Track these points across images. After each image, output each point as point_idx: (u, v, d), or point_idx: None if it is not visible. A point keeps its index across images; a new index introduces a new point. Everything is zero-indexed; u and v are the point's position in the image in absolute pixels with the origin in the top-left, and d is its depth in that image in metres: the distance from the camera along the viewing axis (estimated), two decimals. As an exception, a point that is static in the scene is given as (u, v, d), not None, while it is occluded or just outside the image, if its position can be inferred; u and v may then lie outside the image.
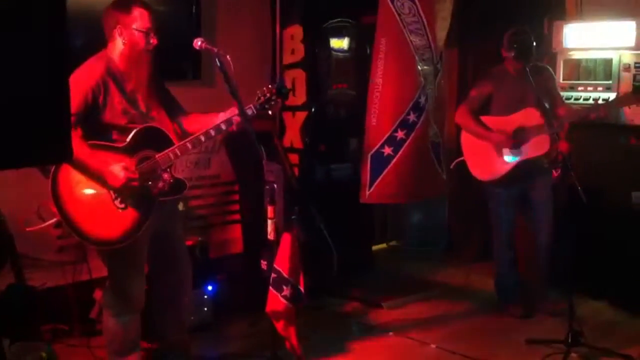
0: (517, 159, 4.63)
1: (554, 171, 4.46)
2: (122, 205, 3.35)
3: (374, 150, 5.02)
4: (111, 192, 3.33)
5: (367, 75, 5.21)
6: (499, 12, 6.39)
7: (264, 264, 3.76)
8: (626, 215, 5.06)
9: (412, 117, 5.04)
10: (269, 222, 3.47)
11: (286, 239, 3.51)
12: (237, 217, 5.40)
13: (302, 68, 5.44)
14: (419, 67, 5.05)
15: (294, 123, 5.50)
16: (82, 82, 3.28)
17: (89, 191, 3.30)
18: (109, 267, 3.57)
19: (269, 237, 3.48)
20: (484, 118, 4.77)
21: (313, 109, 5.42)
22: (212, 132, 3.49)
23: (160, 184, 3.43)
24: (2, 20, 1.64)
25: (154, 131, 3.46)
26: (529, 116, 4.52)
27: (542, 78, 4.66)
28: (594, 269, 5.18)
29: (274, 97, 3.53)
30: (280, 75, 5.36)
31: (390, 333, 4.60)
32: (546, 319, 4.79)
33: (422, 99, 5.07)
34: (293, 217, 3.61)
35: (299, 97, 5.45)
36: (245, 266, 5.02)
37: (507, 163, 4.67)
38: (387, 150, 5.01)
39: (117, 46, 3.44)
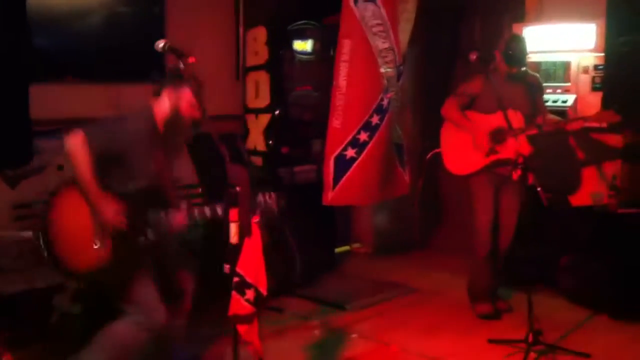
0: (492, 156, 4.70)
1: (513, 173, 4.50)
2: (99, 244, 3.39)
3: (337, 153, 5.02)
4: (96, 227, 3.38)
5: (331, 78, 5.22)
6: (461, 13, 6.48)
7: (226, 268, 3.74)
8: (586, 215, 5.14)
9: (375, 120, 5.05)
10: (232, 225, 3.45)
11: (249, 242, 3.49)
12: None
13: (265, 70, 5.44)
14: (382, 69, 5.07)
15: (258, 125, 5.49)
16: (123, 130, 3.40)
17: (78, 218, 3.36)
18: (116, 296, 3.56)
19: (231, 240, 3.47)
20: (467, 113, 4.85)
21: (276, 111, 5.42)
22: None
23: (142, 239, 3.48)
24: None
25: (158, 190, 3.54)
26: (510, 118, 4.55)
27: (529, 85, 4.76)
28: (555, 268, 5.27)
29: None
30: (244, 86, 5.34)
31: (354, 335, 4.61)
32: (510, 317, 4.85)
33: (385, 101, 5.09)
34: (256, 220, 3.59)
35: (263, 99, 5.44)
36: (208, 270, 4.98)
37: (482, 158, 4.73)
38: (351, 152, 5.02)
39: (163, 107, 3.53)
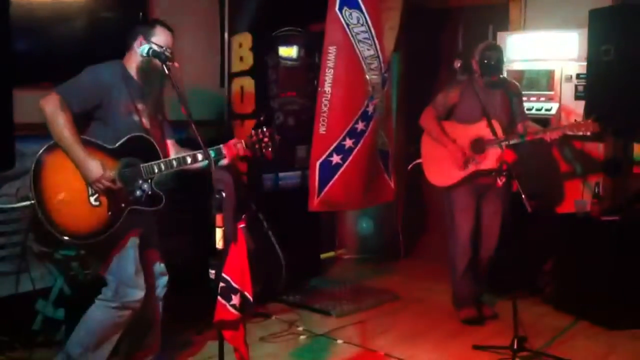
0: (472, 167, 4.72)
1: (498, 180, 4.54)
2: (97, 203, 3.38)
3: (322, 159, 5.04)
4: (89, 187, 3.37)
5: (316, 84, 5.24)
6: (445, 21, 6.52)
7: (212, 273, 3.73)
8: (570, 222, 5.18)
9: (360, 126, 5.07)
10: (218, 230, 3.45)
11: (235, 247, 3.49)
12: (185, 225, 5.34)
13: (250, 76, 5.43)
14: (367, 76, 5.09)
15: (243, 131, 5.48)
16: (95, 77, 3.41)
17: (69, 180, 3.34)
18: (100, 266, 3.54)
19: (217, 245, 3.46)
20: (446, 123, 4.86)
21: (262, 117, 5.41)
22: (199, 156, 3.56)
23: (138, 193, 3.48)
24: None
25: (146, 142, 3.53)
26: (487, 128, 4.56)
27: (507, 93, 4.77)
28: (539, 274, 5.30)
29: (266, 140, 3.70)
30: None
31: (339, 341, 4.60)
32: (494, 323, 4.87)
33: (370, 108, 5.11)
34: (242, 225, 3.59)
35: (248, 105, 5.43)
36: (193, 275, 4.96)
37: (462, 170, 4.75)
38: (336, 158, 5.03)
39: (135, 57, 3.53)
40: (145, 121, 3.55)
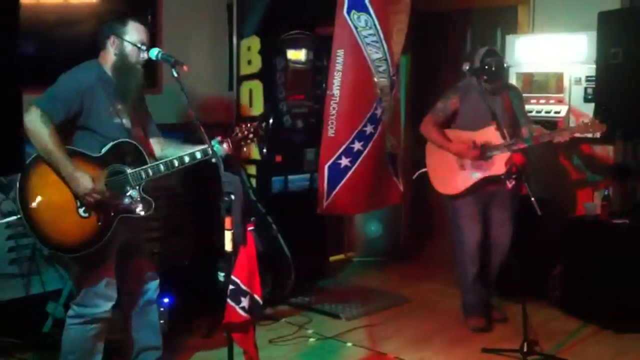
0: (479, 175, 4.67)
1: (507, 182, 4.51)
2: (86, 215, 3.33)
3: (330, 162, 5.04)
4: (77, 199, 3.32)
5: (324, 87, 5.24)
6: (453, 24, 6.52)
7: (221, 276, 3.74)
8: (579, 225, 5.17)
9: (369, 129, 5.07)
10: (226, 233, 3.45)
11: (244, 250, 3.49)
12: (193, 228, 5.36)
13: (259, 79, 5.44)
14: (375, 79, 5.09)
15: (251, 134, 5.49)
16: (72, 83, 3.34)
17: (56, 193, 3.28)
18: (75, 275, 3.54)
19: (226, 248, 3.46)
20: (449, 131, 4.81)
21: (270, 120, 5.42)
22: (187, 159, 3.52)
23: (127, 201, 3.43)
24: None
25: (131, 147, 3.48)
26: (494, 134, 4.51)
27: (508, 97, 4.74)
28: (548, 278, 5.29)
29: (251, 136, 3.62)
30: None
31: (348, 344, 4.60)
32: (502, 327, 4.85)
33: (379, 111, 5.11)
34: (250, 228, 3.59)
35: (256, 108, 5.44)
36: (201, 278, 4.98)
37: (469, 178, 4.69)
38: (345, 161, 5.04)
39: (109, 56, 3.50)
40: (125, 122, 3.49)
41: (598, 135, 4.56)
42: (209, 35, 5.69)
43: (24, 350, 4.17)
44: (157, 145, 3.71)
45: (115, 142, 3.42)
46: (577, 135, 4.66)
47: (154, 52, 3.46)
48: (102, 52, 3.52)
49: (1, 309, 4.08)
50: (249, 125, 3.64)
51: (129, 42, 3.46)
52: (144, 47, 3.49)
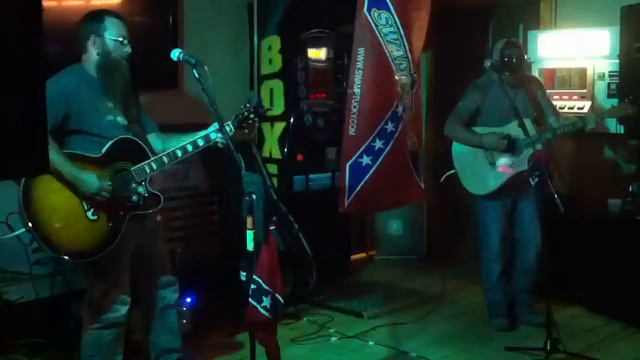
0: (510, 171, 4.62)
1: (530, 180, 4.45)
2: (95, 217, 3.31)
3: (352, 160, 5.02)
4: (84, 202, 3.29)
5: (345, 85, 5.23)
6: (475, 20, 6.47)
7: (243, 275, 3.74)
8: (604, 222, 5.11)
9: (390, 127, 5.05)
10: (248, 232, 3.46)
11: (265, 249, 3.50)
12: (216, 228, 5.38)
13: (280, 78, 5.45)
14: (396, 77, 5.07)
15: (273, 133, 5.50)
16: (54, 86, 3.26)
17: (61, 200, 3.25)
18: (87, 281, 3.53)
19: (248, 248, 3.47)
20: (474, 130, 4.78)
21: (291, 119, 5.43)
22: (190, 147, 3.50)
23: (135, 198, 3.42)
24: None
25: (131, 143, 3.45)
26: (518, 129, 4.43)
27: (531, 88, 4.70)
28: (572, 276, 5.23)
29: (251, 116, 3.59)
30: (258, 94, 5.34)
31: (371, 343, 4.59)
32: (526, 326, 4.81)
33: (400, 109, 5.09)
34: (272, 227, 3.60)
35: (277, 107, 5.45)
36: (224, 277, 5.00)
37: (500, 175, 4.66)
38: (366, 159, 5.01)
39: (92, 57, 3.46)
40: (120, 119, 3.46)
41: (629, 112, 4.49)
42: (229, 35, 5.71)
43: (48, 350, 4.20)
44: (158, 140, 3.67)
45: (114, 140, 3.39)
46: (610, 117, 4.58)
47: (175, 53, 3.44)
48: (84, 55, 3.49)
49: (26, 309, 4.11)
50: (247, 105, 3.61)
51: (110, 38, 3.44)
52: (125, 41, 3.46)
